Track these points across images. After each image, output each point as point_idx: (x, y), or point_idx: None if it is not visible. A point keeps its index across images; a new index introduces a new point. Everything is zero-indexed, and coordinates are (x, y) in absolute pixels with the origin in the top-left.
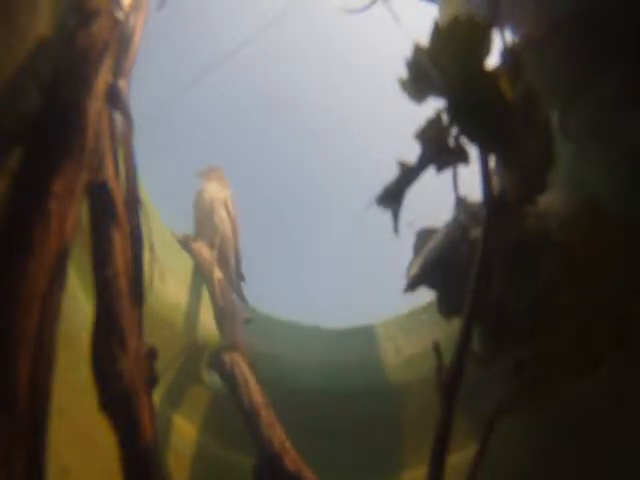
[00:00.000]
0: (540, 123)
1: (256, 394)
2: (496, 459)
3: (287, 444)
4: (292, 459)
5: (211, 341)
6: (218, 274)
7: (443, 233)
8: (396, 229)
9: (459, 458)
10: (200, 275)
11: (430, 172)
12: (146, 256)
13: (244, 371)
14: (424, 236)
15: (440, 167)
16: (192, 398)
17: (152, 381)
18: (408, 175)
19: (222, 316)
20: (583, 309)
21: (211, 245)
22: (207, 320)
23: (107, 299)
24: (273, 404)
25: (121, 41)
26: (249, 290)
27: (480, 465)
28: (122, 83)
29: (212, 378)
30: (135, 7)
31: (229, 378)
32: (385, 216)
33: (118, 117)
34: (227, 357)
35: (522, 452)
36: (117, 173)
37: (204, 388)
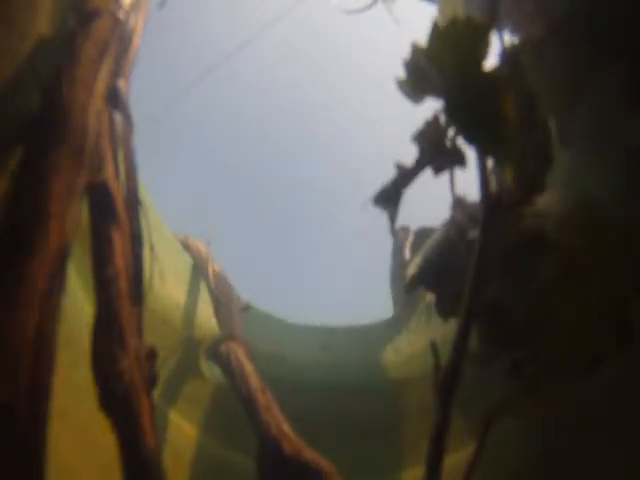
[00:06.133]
0: (538, 124)
1: (253, 379)
2: (496, 459)
3: (285, 427)
4: (290, 442)
5: (210, 336)
6: (214, 267)
7: (441, 233)
8: (393, 229)
9: (457, 458)
10: (199, 272)
11: (429, 173)
12: (146, 256)
13: (240, 358)
14: (421, 236)
15: (437, 169)
16: (191, 396)
17: (152, 381)
18: (405, 176)
19: (219, 306)
20: (582, 309)
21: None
22: (206, 317)
23: (107, 299)
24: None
25: (121, 41)
26: (251, 289)
27: (476, 464)
28: (122, 83)
29: (212, 370)
30: (135, 7)
31: (226, 366)
32: (385, 216)
33: (118, 117)
34: (224, 347)
35: (522, 452)
36: (117, 173)
37: (203, 385)
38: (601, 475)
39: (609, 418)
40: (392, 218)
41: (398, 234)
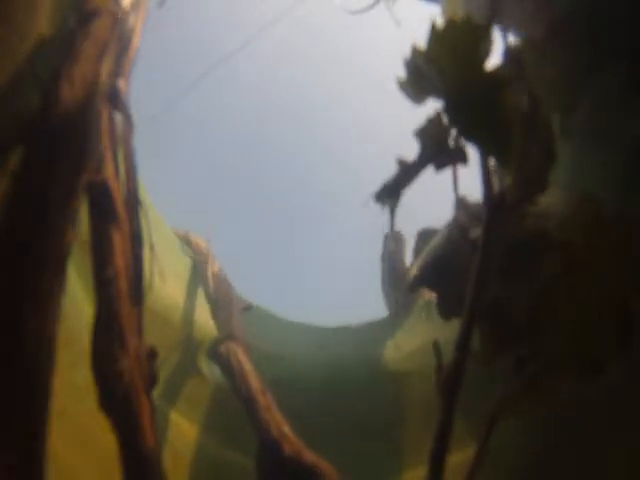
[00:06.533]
0: (541, 123)
1: (253, 380)
2: (497, 459)
3: (285, 428)
4: (290, 443)
5: (209, 336)
6: (215, 267)
7: (443, 234)
8: (392, 225)
9: (458, 457)
10: (198, 270)
11: (432, 173)
12: (146, 256)
13: (240, 359)
14: (425, 237)
15: (438, 166)
16: (191, 396)
17: (152, 381)
18: (406, 173)
19: (217, 306)
20: (583, 309)
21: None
22: (206, 317)
23: (107, 299)
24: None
25: (121, 41)
26: (250, 289)
27: (480, 464)
28: (122, 83)
29: (212, 370)
30: (135, 6)
31: (226, 367)
32: (385, 216)
33: (118, 117)
34: (223, 347)
35: (523, 452)
36: (117, 173)
37: (202, 385)
38: (601, 475)
39: (609, 418)
40: (392, 213)
41: (388, 239)
